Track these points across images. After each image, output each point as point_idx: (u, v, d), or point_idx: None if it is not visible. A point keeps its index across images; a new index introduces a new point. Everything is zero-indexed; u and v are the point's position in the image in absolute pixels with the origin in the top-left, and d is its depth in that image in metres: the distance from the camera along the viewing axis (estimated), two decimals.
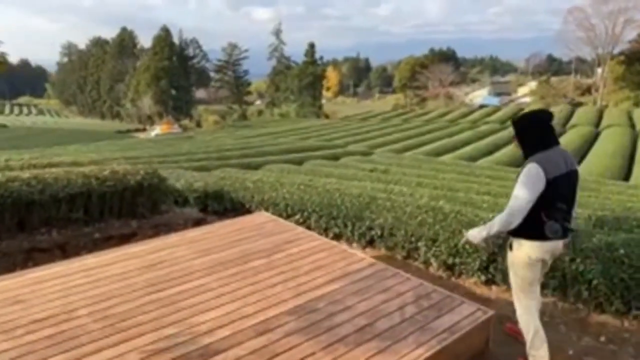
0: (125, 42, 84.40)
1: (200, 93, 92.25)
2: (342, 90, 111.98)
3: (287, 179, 8.82)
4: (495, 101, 62.88)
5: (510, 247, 3.03)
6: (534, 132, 2.84)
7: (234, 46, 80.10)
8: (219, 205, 7.75)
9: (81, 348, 2.79)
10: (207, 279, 3.71)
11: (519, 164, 16.18)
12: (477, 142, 23.64)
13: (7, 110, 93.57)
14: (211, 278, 3.74)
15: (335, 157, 15.81)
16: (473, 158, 18.67)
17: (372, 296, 3.47)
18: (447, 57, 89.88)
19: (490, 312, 3.31)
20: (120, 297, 3.40)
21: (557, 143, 2.87)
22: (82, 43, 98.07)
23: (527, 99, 63.40)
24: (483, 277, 5.05)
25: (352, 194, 6.59)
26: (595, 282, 4.24)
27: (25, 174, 5.99)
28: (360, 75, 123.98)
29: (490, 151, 21.05)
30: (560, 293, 4.54)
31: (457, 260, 5.18)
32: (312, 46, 69.34)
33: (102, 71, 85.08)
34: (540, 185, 2.69)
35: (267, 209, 7.09)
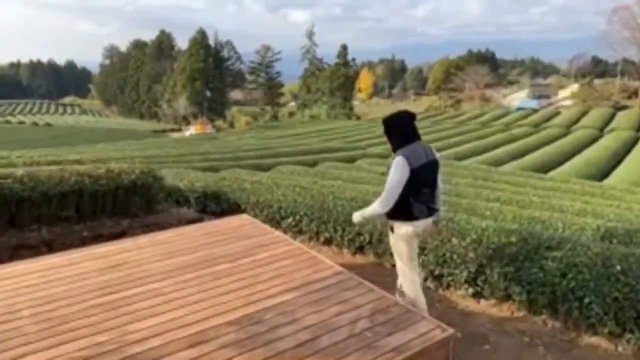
0: (164, 44, 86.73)
1: (236, 94, 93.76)
2: (376, 91, 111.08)
3: (289, 181, 8.68)
4: (534, 104, 60.68)
5: (392, 230, 3.48)
6: (399, 130, 3.36)
7: (267, 48, 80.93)
8: (217, 206, 7.69)
9: (7, 352, 2.71)
10: (162, 283, 3.59)
11: (548, 169, 15.53)
12: (506, 146, 22.78)
13: (52, 109, 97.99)
14: (167, 282, 3.61)
15: (352, 159, 15.53)
16: (499, 162, 17.95)
17: (326, 308, 3.26)
18: (485, 58, 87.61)
19: (450, 331, 3.04)
20: (68, 299, 3.32)
21: (419, 138, 3.40)
22: (123, 45, 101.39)
23: (568, 102, 60.90)
24: (471, 290, 4.74)
25: (346, 197, 6.36)
26: (587, 300, 3.88)
27: (19, 172, 6.08)
28: (395, 76, 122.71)
29: (519, 155, 20.22)
30: (550, 310, 4.18)
31: (445, 270, 4.89)
32: (344, 48, 69.16)
33: (141, 72, 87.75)
34: (406, 173, 3.19)
35: (261, 211, 6.98)
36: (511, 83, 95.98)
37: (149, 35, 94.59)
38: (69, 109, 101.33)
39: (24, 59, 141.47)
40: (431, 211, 3.41)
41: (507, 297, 4.51)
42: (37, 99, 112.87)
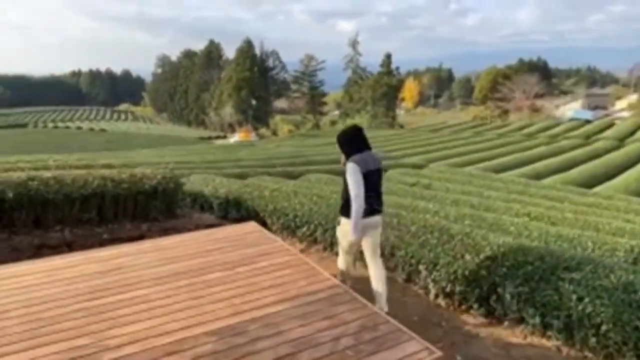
0: (212, 53, 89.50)
1: (281, 103, 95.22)
2: (422, 101, 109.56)
3: (313, 189, 8.60)
4: (588, 115, 57.62)
5: (339, 223, 4.05)
6: (347, 142, 3.92)
7: (310, 57, 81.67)
8: (238, 213, 7.72)
9: None
10: (153, 290, 3.59)
11: (594, 183, 14.67)
12: (551, 158, 21.70)
13: (108, 116, 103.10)
14: (157, 289, 3.61)
15: (384, 169, 15.16)
16: (540, 175, 17.05)
17: (313, 322, 3.14)
18: (536, 67, 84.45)
19: (437, 354, 2.83)
20: (58, 301, 3.37)
21: (369, 148, 3.97)
22: (175, 55, 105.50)
23: (625, 113, 57.52)
24: (482, 310, 4.46)
25: None
26: (604, 327, 3.54)
27: (47, 174, 6.34)
28: (442, 86, 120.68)
29: (563, 168, 19.18)
30: (566, 336, 3.85)
31: (457, 288, 4.63)
32: (388, 57, 68.74)
33: (190, 81, 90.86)
34: (360, 177, 3.71)
35: (278, 219, 6.93)
36: (565, 93, 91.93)
37: (200, 45, 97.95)
38: (123, 116, 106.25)
39: (85, 68, 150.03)
40: (374, 211, 3.92)
41: (521, 320, 4.20)
42: (95, 106, 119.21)
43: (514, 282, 4.18)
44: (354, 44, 76.45)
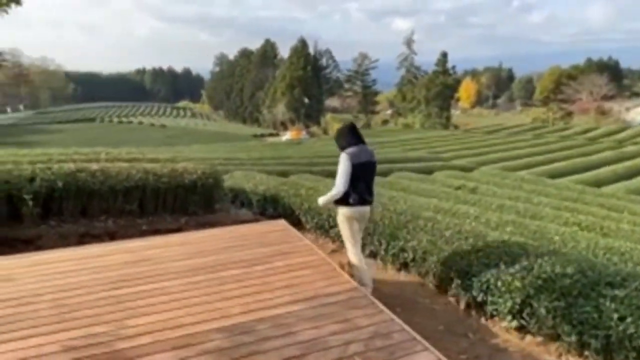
0: (267, 52, 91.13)
1: (334, 102, 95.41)
2: (480, 101, 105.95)
3: None
4: None
5: (336, 213, 4.35)
6: (345, 136, 4.25)
7: (364, 56, 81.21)
8: (275, 210, 7.77)
9: (16, 332, 2.92)
10: (173, 282, 3.66)
11: None
12: (615, 165, 20.21)
13: (168, 112, 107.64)
14: (178, 282, 3.68)
15: (430, 171, 14.81)
16: (600, 183, 15.88)
17: (324, 325, 3.07)
18: (607, 67, 79.25)
19: None
20: (84, 289, 3.52)
21: (363, 142, 4.27)
22: (232, 54, 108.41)
23: None
24: (515, 323, 4.20)
25: (396, 210, 6.05)
26: None
27: (94, 166, 6.67)
28: (501, 86, 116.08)
29: (628, 176, 17.77)
30: (604, 357, 3.55)
31: (489, 298, 4.40)
32: (444, 55, 66.97)
33: (245, 80, 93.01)
34: (349, 167, 4.02)
35: (312, 218, 6.91)
36: (637, 95, 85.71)
37: (257, 44, 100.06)
38: (182, 112, 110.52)
39: (149, 66, 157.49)
40: (365, 201, 4.19)
41: (557, 337, 3.93)
42: (157, 102, 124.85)
43: (549, 296, 3.91)
44: (408, 42, 75.23)
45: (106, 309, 3.23)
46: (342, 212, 4.22)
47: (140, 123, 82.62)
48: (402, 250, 5.42)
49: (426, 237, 5.28)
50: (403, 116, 71.92)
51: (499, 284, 4.28)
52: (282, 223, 5.19)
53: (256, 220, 7.13)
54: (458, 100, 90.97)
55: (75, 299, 3.36)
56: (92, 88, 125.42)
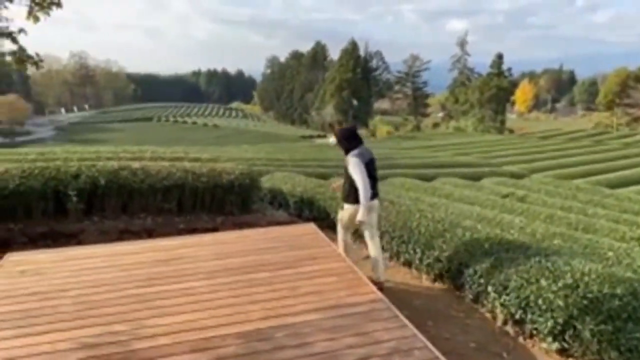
0: (318, 55, 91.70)
1: (383, 104, 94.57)
2: (537, 105, 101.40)
3: (388, 194, 8.31)
4: None
5: (342, 208, 4.72)
6: (349, 138, 4.62)
7: (415, 58, 79.85)
8: (310, 212, 7.71)
9: (35, 327, 3.00)
10: (199, 283, 3.66)
11: None
12: None
13: (221, 113, 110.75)
14: (204, 282, 3.67)
15: (478, 177, 14.18)
16: None
17: (343, 337, 2.95)
18: None
19: None
20: (111, 286, 3.58)
21: (362, 143, 4.66)
22: (283, 56, 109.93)
23: None
24: (556, 345, 3.89)
25: (434, 218, 5.80)
26: None
27: (136, 165, 6.87)
28: (561, 89, 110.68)
29: None
30: None
31: (528, 316, 4.10)
32: (499, 57, 64.64)
33: (295, 81, 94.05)
34: (363, 167, 4.38)
35: None
36: None
37: (308, 46, 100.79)
38: (234, 113, 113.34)
39: (204, 68, 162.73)
40: (374, 195, 4.58)
41: None
42: (210, 103, 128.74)
43: (595, 318, 3.59)
44: (462, 43, 73.27)
45: (129, 307, 3.27)
46: (353, 207, 4.51)
47: (194, 123, 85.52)
48: (438, 260, 5.19)
49: (463, 247, 5.01)
50: (455, 119, 70.08)
51: (540, 301, 3.98)
52: (312, 227, 5.11)
53: (291, 222, 7.10)
54: (514, 103, 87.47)
55: (99, 296, 3.42)
56: (151, 89, 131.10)
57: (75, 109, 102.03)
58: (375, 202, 4.66)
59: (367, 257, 6.26)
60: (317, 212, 7.40)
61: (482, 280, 4.61)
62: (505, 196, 9.81)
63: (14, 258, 4.08)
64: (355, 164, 4.37)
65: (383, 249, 6.18)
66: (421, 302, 4.89)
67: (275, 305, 3.33)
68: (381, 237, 6.11)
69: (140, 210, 6.65)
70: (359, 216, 4.33)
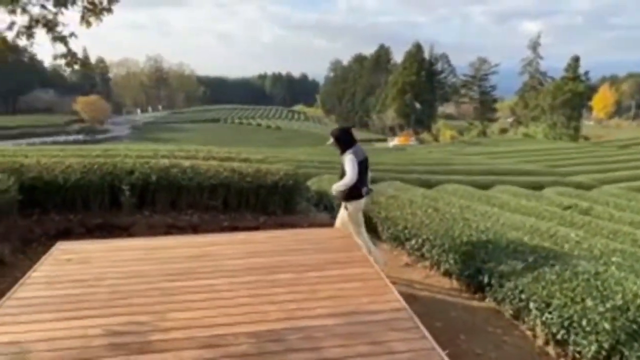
0: (381, 58, 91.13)
1: (448, 108, 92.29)
2: (619, 111, 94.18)
3: (437, 201, 8.07)
4: None
5: (346, 208, 5.04)
6: (346, 138, 4.97)
7: (483, 60, 77.06)
8: None
9: (71, 312, 3.20)
10: (224, 280, 3.73)
11: None
12: None
13: (284, 115, 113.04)
14: (228, 280, 3.74)
15: (540, 186, 13.31)
16: None
17: (356, 344, 2.87)
18: None
19: None
20: (143, 278, 3.74)
21: (357, 142, 5.02)
22: (346, 59, 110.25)
23: None
24: None
25: (478, 227, 5.55)
26: None
27: (186, 163, 7.16)
28: None
29: None
30: None
31: (571, 337, 3.81)
32: (575, 60, 60.81)
33: (358, 85, 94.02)
34: (357, 163, 4.78)
35: (388, 228, 6.67)
36: None
37: (372, 49, 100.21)
38: (296, 116, 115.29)
39: (269, 72, 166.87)
40: (368, 190, 5.06)
41: None
42: (274, 105, 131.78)
43: None
44: (534, 45, 69.81)
45: (155, 299, 3.39)
46: (355, 205, 4.97)
47: (258, 125, 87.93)
48: (478, 271, 4.95)
49: (506, 259, 4.74)
50: (524, 125, 66.81)
51: (584, 322, 3.68)
52: (344, 231, 5.04)
53: (332, 225, 7.08)
54: (591, 109, 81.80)
55: (130, 287, 3.58)
56: (220, 91, 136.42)
57: (149, 109, 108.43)
58: (366, 199, 5.15)
59: (407, 264, 6.12)
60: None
61: (523, 296, 4.34)
62: (567, 208, 9.15)
63: (63, 247, 4.38)
64: (351, 160, 4.77)
65: (423, 256, 6.02)
66: (457, 314, 4.69)
67: (293, 307, 3.32)
68: (422, 245, 5.94)
69: (188, 206, 6.92)
70: (333, 188, 4.95)
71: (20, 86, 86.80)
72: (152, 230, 6.39)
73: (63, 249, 4.34)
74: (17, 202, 5.91)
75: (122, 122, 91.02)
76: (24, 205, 6.09)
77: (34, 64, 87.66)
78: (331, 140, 5.03)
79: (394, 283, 3.93)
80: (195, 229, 6.58)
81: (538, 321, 4.14)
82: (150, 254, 4.26)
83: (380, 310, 3.31)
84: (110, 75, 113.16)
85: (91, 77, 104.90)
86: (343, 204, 5.08)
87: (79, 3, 3.92)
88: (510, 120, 77.89)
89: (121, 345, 2.82)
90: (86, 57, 4.02)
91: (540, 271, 4.35)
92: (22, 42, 3.87)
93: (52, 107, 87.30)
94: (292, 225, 6.92)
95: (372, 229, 7.17)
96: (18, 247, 5.62)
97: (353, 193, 4.87)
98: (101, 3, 4.12)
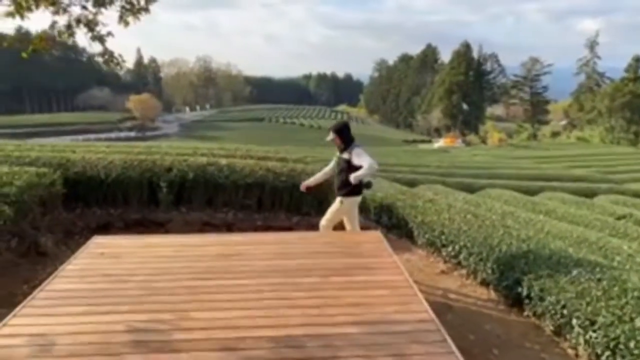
0: (428, 57, 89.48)
1: (497, 109, 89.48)
2: None
3: (478, 206, 7.76)
4: None
5: (342, 203, 4.99)
6: (348, 133, 4.96)
7: (535, 60, 73.92)
8: (389, 220, 7.47)
9: (100, 306, 3.26)
10: (251, 281, 3.70)
11: None
12: None
13: (327, 115, 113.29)
14: (255, 281, 3.70)
15: (592, 194, 12.51)
16: None
17: (378, 356, 2.75)
18: None
19: None
20: (171, 275, 3.77)
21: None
22: (391, 59, 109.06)
23: None
24: None
25: (519, 236, 5.26)
26: None
27: (223, 161, 7.23)
28: None
29: None
30: None
31: (617, 359, 3.51)
32: (637, 60, 57.24)
33: (403, 85, 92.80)
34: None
35: (424, 233, 6.45)
36: None
37: (418, 49, 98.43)
38: (339, 116, 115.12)
39: (314, 72, 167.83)
40: (366, 185, 5.00)
41: None
42: (318, 105, 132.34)
43: None
44: (592, 45, 66.35)
45: (180, 297, 3.40)
46: (355, 200, 5.02)
47: (301, 125, 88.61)
48: (517, 283, 4.68)
49: (548, 271, 4.46)
50: (578, 128, 63.66)
51: (632, 344, 3.38)
52: (377, 235, 4.91)
53: (367, 228, 6.94)
54: None
55: (158, 284, 3.61)
56: (265, 91, 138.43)
57: (197, 107, 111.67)
58: (355, 199, 5.04)
59: (443, 272, 5.90)
60: (397, 220, 7.14)
61: (565, 311, 4.06)
62: (621, 217, 8.56)
63: (98, 241, 4.50)
64: (362, 151, 4.77)
65: (460, 264, 5.78)
66: (492, 327, 4.45)
67: (315, 312, 3.23)
68: (459, 252, 5.71)
69: (223, 204, 6.99)
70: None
71: (79, 85, 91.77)
72: (188, 227, 6.50)
73: (98, 243, 4.45)
74: (62, 196, 6.16)
75: (172, 120, 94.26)
76: (68, 199, 6.35)
77: (92, 64, 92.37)
78: (331, 135, 4.94)
79: (423, 292, 3.77)
80: (229, 227, 6.64)
81: (581, 340, 3.86)
82: (181, 251, 4.30)
83: (406, 321, 3.16)
84: (162, 74, 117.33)
85: (144, 76, 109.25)
86: (339, 199, 4.98)
87: (117, 3, 4.00)
88: (563, 123, 74.38)
89: (142, 343, 2.83)
90: (120, 55, 4.08)
91: (585, 286, 4.06)
92: (63, 39, 3.99)
93: (107, 105, 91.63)
94: None
95: (407, 233, 7.00)
96: (61, 239, 5.85)
97: (355, 189, 4.86)
98: (139, 3, 4.19)
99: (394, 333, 3.02)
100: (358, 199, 5.06)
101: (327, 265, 4.04)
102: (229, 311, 3.24)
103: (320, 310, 3.28)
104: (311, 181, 5.38)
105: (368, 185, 4.95)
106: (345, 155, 4.83)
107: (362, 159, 4.68)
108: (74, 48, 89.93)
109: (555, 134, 67.39)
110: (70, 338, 2.82)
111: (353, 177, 4.71)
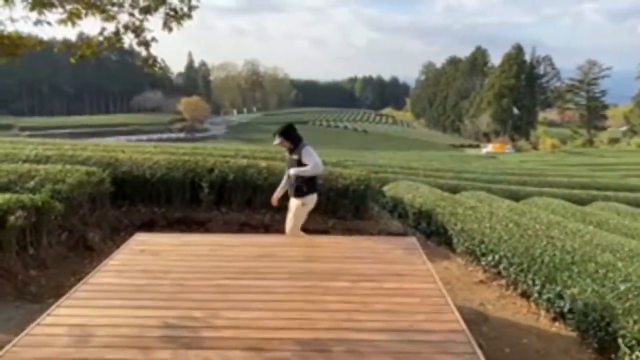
0: (477, 60, 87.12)
1: (550, 114, 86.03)
2: None
3: (523, 215, 7.47)
4: None
5: (303, 204, 5.04)
6: (295, 134, 5.02)
7: (592, 63, 70.29)
8: (428, 226, 7.34)
9: (134, 301, 3.39)
10: (281, 283, 3.73)
11: None
12: None
13: (371, 118, 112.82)
14: (285, 283, 3.74)
15: None
16: None
17: None
18: None
19: None
20: (205, 274, 3.87)
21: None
22: (439, 62, 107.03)
23: None
24: None
25: (563, 247, 5.02)
26: None
27: (263, 164, 7.34)
28: None
29: None
30: None
31: None
32: None
33: (450, 88, 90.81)
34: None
35: (464, 241, 6.30)
36: None
37: (467, 52, 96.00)
38: (384, 119, 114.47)
39: (360, 75, 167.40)
40: (315, 190, 5.19)
41: None
42: (363, 109, 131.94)
43: None
44: None
45: (212, 296, 3.48)
46: (311, 198, 5.04)
47: (345, 128, 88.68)
48: (560, 296, 4.48)
49: (593, 285, 4.23)
50: (639, 135, 60.00)
51: None
52: (411, 241, 4.82)
53: (404, 234, 6.85)
54: None
55: (192, 282, 3.71)
56: (310, 94, 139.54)
57: (245, 110, 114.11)
58: (315, 196, 5.12)
59: (481, 281, 5.73)
60: (435, 227, 7.00)
61: (610, 329, 3.83)
62: None
63: (140, 238, 4.69)
64: (310, 151, 4.86)
65: (499, 274, 5.59)
66: (531, 341, 4.27)
67: (343, 317, 3.21)
68: (499, 262, 5.51)
69: (262, 205, 7.08)
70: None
71: (133, 87, 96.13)
72: (227, 227, 6.65)
73: (139, 240, 4.64)
74: (110, 194, 6.47)
75: (220, 122, 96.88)
76: (115, 196, 6.65)
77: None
78: (277, 140, 4.95)
79: (459, 302, 3.67)
80: (267, 229, 6.74)
81: (627, 359, 3.63)
82: (217, 250, 4.41)
83: (436, 330, 3.09)
84: (211, 77, 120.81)
85: (194, 79, 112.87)
86: (297, 200, 4.98)
87: (161, 10, 4.16)
88: (623, 129, 70.28)
89: (172, 339, 2.92)
90: (162, 60, 4.24)
91: (632, 303, 3.82)
92: (111, 45, 4.19)
93: (159, 107, 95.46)
94: (360, 231, 6.82)
95: (446, 240, 6.85)
96: (107, 234, 6.14)
97: (311, 188, 4.96)
98: (182, 9, 4.33)
99: (422, 342, 2.95)
100: (315, 197, 5.12)
101: (358, 271, 4.01)
102: (258, 312, 3.27)
103: (349, 315, 3.26)
104: (278, 191, 5.35)
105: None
106: (295, 156, 4.93)
107: (310, 158, 4.83)
108: (130, 52, 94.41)
109: (613, 141, 63.79)
110: (106, 330, 2.95)
111: (292, 172, 4.87)
